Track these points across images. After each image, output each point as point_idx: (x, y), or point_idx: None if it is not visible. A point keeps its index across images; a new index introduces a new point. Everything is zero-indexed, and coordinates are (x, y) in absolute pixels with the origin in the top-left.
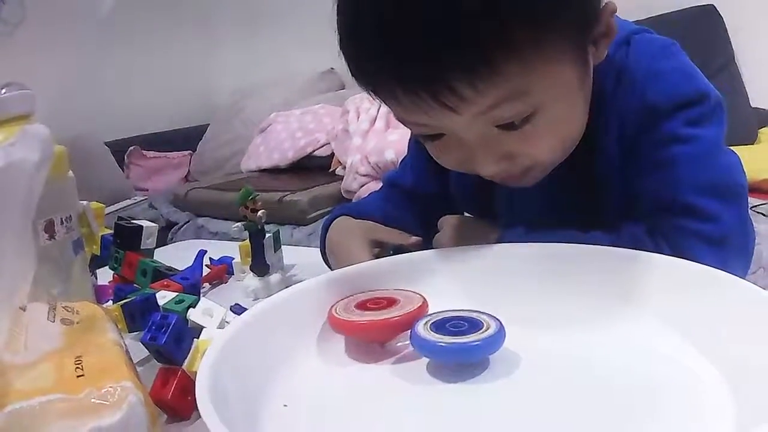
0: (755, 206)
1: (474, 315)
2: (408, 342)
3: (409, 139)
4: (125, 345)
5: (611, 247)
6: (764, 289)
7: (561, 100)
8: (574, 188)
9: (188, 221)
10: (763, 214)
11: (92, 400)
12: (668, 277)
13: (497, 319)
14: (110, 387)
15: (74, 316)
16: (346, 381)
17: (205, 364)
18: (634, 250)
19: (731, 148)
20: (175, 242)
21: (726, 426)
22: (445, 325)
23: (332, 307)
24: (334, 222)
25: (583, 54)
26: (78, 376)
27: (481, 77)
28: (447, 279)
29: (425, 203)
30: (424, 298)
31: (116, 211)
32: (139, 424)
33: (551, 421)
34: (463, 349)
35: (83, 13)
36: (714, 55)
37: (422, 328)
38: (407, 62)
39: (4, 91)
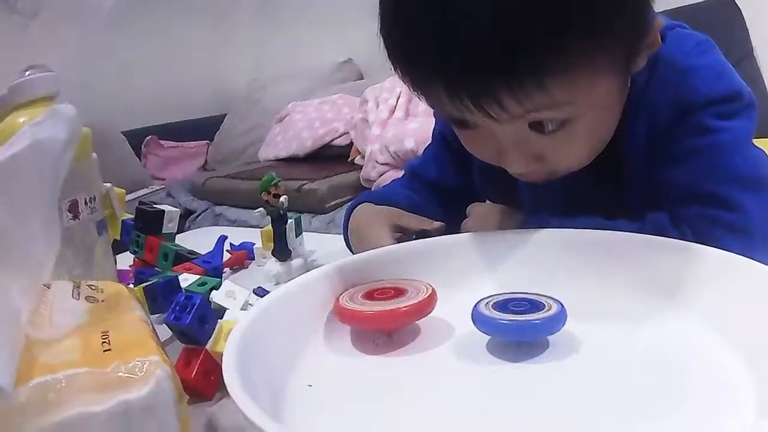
0: None
1: (535, 297)
2: (415, 335)
3: (434, 130)
4: (151, 323)
5: (638, 234)
6: None
7: (599, 111)
8: (599, 180)
9: (206, 209)
10: None
11: (120, 373)
12: (705, 267)
13: (559, 301)
14: (138, 361)
15: (99, 294)
16: (359, 369)
17: (232, 344)
18: (664, 238)
19: (754, 140)
20: (193, 230)
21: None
22: (507, 305)
23: (339, 296)
24: (357, 208)
25: (628, 66)
26: (105, 351)
27: (527, 93)
28: (466, 264)
29: (448, 196)
30: (433, 288)
31: (134, 199)
32: (166, 399)
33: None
34: (525, 327)
35: (98, 4)
36: (732, 48)
37: (484, 307)
38: (458, 71)
39: (28, 72)
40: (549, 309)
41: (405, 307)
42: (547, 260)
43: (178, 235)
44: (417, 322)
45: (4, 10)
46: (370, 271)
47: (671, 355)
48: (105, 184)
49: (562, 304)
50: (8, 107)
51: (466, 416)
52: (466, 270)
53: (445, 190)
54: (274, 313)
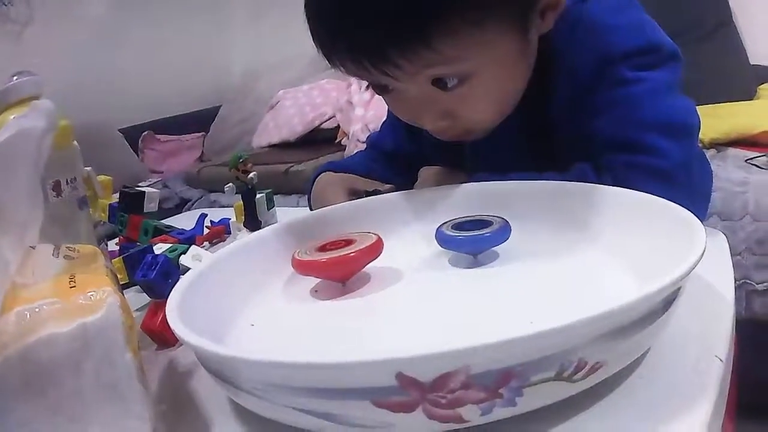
0: (750, 158)
1: (486, 217)
2: (366, 281)
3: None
4: (113, 270)
5: (556, 182)
6: (749, 235)
7: (498, 68)
8: (532, 137)
9: (201, 197)
10: (758, 166)
11: (80, 301)
12: (607, 207)
13: (505, 219)
14: (94, 291)
15: (75, 254)
16: (310, 309)
17: (179, 287)
18: (573, 182)
19: (731, 103)
20: (183, 213)
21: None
22: (463, 225)
23: (295, 251)
24: (319, 176)
25: (525, 27)
26: (71, 287)
27: (416, 53)
28: (407, 217)
29: (403, 162)
30: (379, 237)
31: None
32: (115, 321)
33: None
34: (476, 240)
35: (91, 4)
36: (712, 13)
37: (445, 228)
38: (352, 35)
39: (15, 78)
40: (496, 225)
41: (353, 252)
42: (478, 209)
43: (170, 218)
44: (367, 271)
45: None
46: (322, 227)
47: (574, 274)
48: (86, 168)
49: (506, 221)
50: (0, 109)
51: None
52: (408, 221)
53: (401, 157)
54: (225, 264)
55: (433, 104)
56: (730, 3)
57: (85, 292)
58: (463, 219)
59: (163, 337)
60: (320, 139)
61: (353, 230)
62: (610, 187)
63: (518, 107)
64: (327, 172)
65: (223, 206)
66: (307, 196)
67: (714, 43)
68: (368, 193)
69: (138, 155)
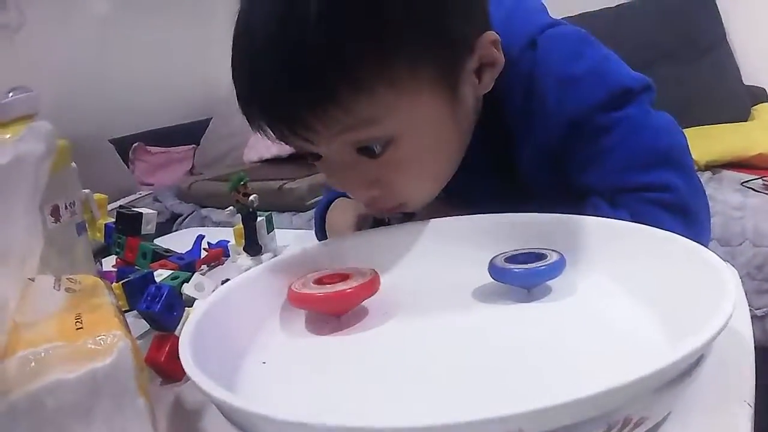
0: (746, 181)
1: (541, 250)
2: (363, 316)
3: None
4: (119, 307)
5: (564, 215)
6: (748, 261)
7: (424, 131)
8: (505, 177)
9: (192, 212)
10: (754, 189)
11: (89, 345)
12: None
13: (560, 252)
14: (104, 335)
15: (76, 285)
16: (316, 345)
17: (189, 326)
18: (590, 217)
19: (725, 125)
20: (177, 232)
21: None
22: (517, 257)
23: (291, 283)
24: (333, 203)
25: (453, 87)
26: (77, 329)
27: (327, 112)
28: (400, 252)
29: None
30: (376, 272)
31: (123, 205)
32: (127, 366)
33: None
34: (530, 274)
35: (82, 15)
36: (705, 33)
37: (499, 261)
38: (266, 101)
39: (11, 94)
40: (550, 259)
41: (350, 288)
42: (481, 242)
43: (163, 237)
44: (364, 304)
45: None
46: (320, 261)
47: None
48: (84, 190)
49: (562, 255)
50: None
51: (408, 383)
52: (406, 256)
53: None
54: (230, 299)
55: (361, 173)
56: (723, 23)
57: (94, 335)
58: (514, 252)
59: (168, 371)
60: None
61: (350, 263)
62: (642, 225)
63: (483, 151)
64: (341, 199)
65: (215, 223)
66: (315, 223)
67: (708, 64)
68: (376, 221)
69: (128, 166)
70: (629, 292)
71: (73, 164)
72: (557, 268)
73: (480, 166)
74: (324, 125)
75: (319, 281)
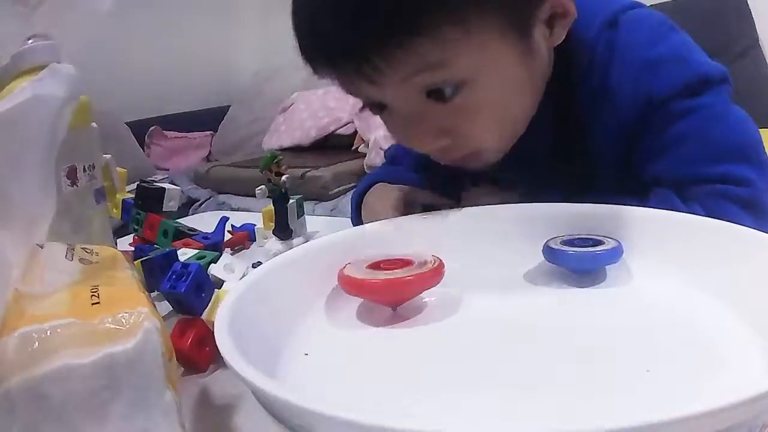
0: None
1: (598, 237)
2: (422, 304)
3: None
4: (143, 282)
5: (636, 207)
6: None
7: (495, 77)
8: (569, 162)
9: (209, 198)
10: None
11: (106, 324)
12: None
13: (617, 240)
14: (126, 313)
15: (93, 257)
16: (360, 340)
17: (225, 308)
18: (662, 210)
19: (762, 130)
20: (197, 214)
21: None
22: (573, 241)
23: (344, 266)
24: (371, 190)
25: (523, 35)
26: (93, 303)
27: (396, 54)
28: (457, 238)
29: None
30: (440, 260)
31: (143, 179)
32: (154, 353)
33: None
34: (586, 257)
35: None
36: (737, 38)
37: (553, 242)
38: (330, 38)
39: (30, 41)
40: (607, 245)
41: (411, 276)
42: (547, 233)
43: (180, 219)
44: (422, 297)
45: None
46: (375, 243)
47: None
48: (105, 155)
49: (619, 242)
50: (11, 75)
51: (462, 388)
52: (472, 244)
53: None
54: (270, 281)
55: (429, 120)
56: (756, 27)
57: (114, 312)
58: (573, 236)
59: (193, 360)
60: (335, 145)
61: (410, 249)
62: (718, 221)
63: (548, 132)
64: (381, 183)
65: (233, 209)
66: (352, 210)
67: (740, 68)
68: (425, 207)
69: (144, 150)
70: (699, 287)
71: (94, 124)
72: (614, 255)
73: (546, 149)
74: (391, 67)
75: (376, 266)
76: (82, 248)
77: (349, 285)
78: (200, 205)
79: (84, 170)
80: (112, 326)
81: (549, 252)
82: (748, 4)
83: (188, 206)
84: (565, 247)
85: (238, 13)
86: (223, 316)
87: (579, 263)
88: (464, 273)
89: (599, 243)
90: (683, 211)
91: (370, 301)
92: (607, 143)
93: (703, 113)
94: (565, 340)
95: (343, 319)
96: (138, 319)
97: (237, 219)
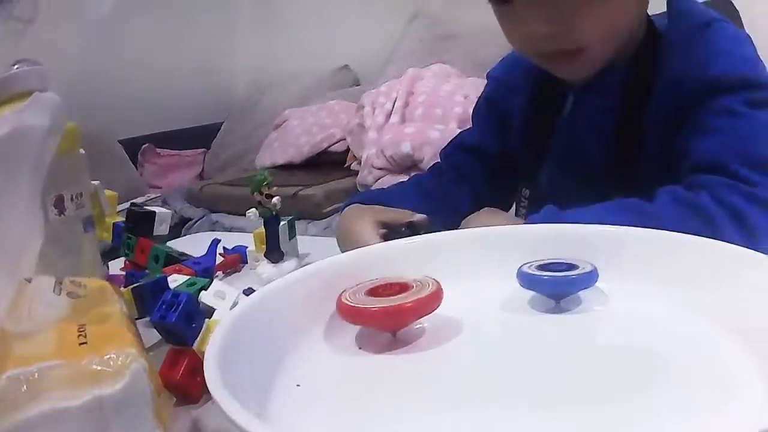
0: None
1: (573, 261)
2: (420, 328)
3: (478, 99)
4: (131, 317)
5: (632, 228)
6: None
7: None
8: (622, 145)
9: (202, 217)
10: None
11: (94, 366)
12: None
13: (592, 263)
14: (113, 354)
15: (81, 290)
16: (358, 367)
17: (215, 341)
18: (654, 230)
19: None
20: (188, 235)
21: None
22: (548, 266)
23: (341, 293)
24: (344, 210)
25: None
26: (80, 344)
27: None
28: (470, 260)
29: (486, 161)
30: (439, 283)
31: (134, 203)
32: (142, 393)
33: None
34: (560, 282)
35: (95, 11)
36: None
37: (527, 268)
38: None
39: (16, 67)
40: (583, 269)
41: (410, 302)
42: (543, 254)
43: (173, 241)
44: (423, 320)
45: (1, 15)
46: (371, 267)
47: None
48: (94, 182)
49: (594, 266)
50: None
51: (463, 415)
52: (471, 266)
53: (484, 153)
54: (262, 309)
55: (549, 5)
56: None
57: (101, 353)
58: (547, 261)
59: (185, 391)
60: (328, 161)
61: (403, 272)
62: (713, 240)
63: (612, 108)
64: (354, 205)
65: (226, 228)
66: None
67: None
68: (408, 228)
69: (137, 168)
70: (683, 305)
71: (82, 150)
72: (589, 278)
73: (601, 125)
74: None
75: (374, 291)
76: (70, 281)
77: (348, 314)
78: (193, 224)
79: (71, 199)
80: (99, 368)
81: (523, 277)
82: (739, 14)
83: (181, 225)
84: (540, 272)
85: (231, 29)
86: (212, 350)
87: (554, 288)
88: (461, 296)
89: (574, 267)
90: (690, 201)
91: (371, 327)
92: (660, 117)
93: (759, 123)
94: (563, 364)
95: (341, 346)
96: (126, 361)
97: (230, 240)
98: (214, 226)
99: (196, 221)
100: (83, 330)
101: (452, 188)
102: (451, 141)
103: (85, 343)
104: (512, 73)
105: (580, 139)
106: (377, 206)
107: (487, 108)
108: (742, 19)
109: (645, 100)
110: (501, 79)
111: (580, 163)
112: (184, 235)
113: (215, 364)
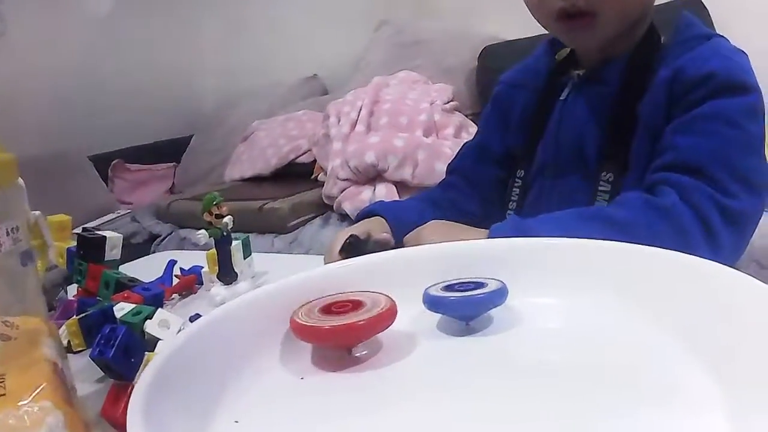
0: None
1: (480, 279)
2: (377, 349)
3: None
4: (56, 363)
5: (591, 240)
6: None
7: None
8: (617, 134)
9: (170, 233)
10: None
11: (9, 421)
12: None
13: (501, 281)
14: (28, 407)
15: (13, 332)
16: (309, 392)
17: (142, 383)
18: (606, 242)
19: None
20: (150, 255)
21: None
22: (454, 286)
23: (294, 312)
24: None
25: None
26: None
27: None
28: (411, 278)
29: (488, 158)
30: (393, 300)
31: (99, 225)
32: None
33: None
34: (469, 302)
35: (65, 26)
36: None
37: (433, 290)
38: None
39: None
40: (490, 287)
41: (363, 320)
42: (490, 268)
43: (137, 260)
44: (379, 335)
45: None
46: (323, 287)
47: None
48: (34, 212)
49: (503, 283)
50: None
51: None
52: (424, 281)
53: (488, 151)
54: (201, 340)
55: None
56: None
57: (18, 406)
58: (456, 281)
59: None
60: (294, 173)
61: (360, 288)
62: (645, 247)
63: (610, 94)
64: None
65: (194, 245)
66: None
67: None
68: (362, 243)
69: (107, 184)
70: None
71: (20, 181)
72: (498, 296)
73: (599, 111)
74: None
75: (327, 309)
76: (3, 322)
77: (301, 332)
78: (162, 240)
79: (7, 233)
80: (13, 422)
81: (429, 299)
82: (709, 14)
83: (150, 242)
84: (446, 293)
85: (198, 41)
86: (139, 388)
87: (461, 309)
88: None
89: (482, 285)
90: (658, 201)
91: (325, 346)
92: (654, 107)
93: (747, 136)
94: (515, 379)
95: (287, 372)
96: (41, 416)
97: (189, 259)
98: (182, 243)
99: (164, 238)
100: (2, 381)
101: (459, 195)
102: (456, 153)
103: (4, 395)
104: (521, 75)
105: (576, 120)
106: (376, 218)
107: (491, 108)
108: (712, 18)
109: (643, 91)
110: (508, 81)
111: (575, 144)
112: (153, 252)
113: (140, 403)
